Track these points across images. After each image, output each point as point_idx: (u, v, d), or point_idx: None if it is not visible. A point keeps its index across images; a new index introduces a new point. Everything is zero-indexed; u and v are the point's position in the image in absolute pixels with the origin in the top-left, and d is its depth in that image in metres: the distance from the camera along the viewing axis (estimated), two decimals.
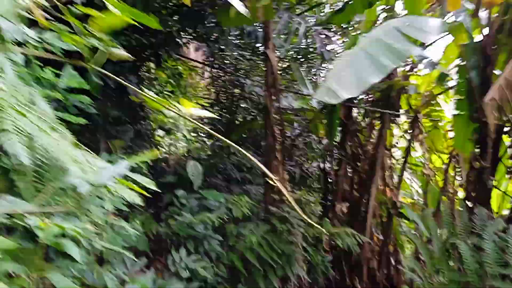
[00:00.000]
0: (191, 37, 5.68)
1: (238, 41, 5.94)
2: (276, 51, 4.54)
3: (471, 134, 3.89)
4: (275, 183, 4.47)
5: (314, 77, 6.96)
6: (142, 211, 4.62)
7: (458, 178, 6.55)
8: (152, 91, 8.47)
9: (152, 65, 7.83)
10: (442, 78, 4.55)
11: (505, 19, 3.18)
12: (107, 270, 2.61)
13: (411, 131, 6.25)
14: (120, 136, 5.18)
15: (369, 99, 6.40)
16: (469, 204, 3.33)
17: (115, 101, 5.17)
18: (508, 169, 3.62)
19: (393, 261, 6.11)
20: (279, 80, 4.23)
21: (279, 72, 6.24)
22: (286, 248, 4.02)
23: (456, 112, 4.61)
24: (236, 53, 5.74)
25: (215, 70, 6.58)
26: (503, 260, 2.65)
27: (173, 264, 3.24)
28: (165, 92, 8.59)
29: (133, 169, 1.82)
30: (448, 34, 5.03)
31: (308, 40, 5.88)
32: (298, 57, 5.91)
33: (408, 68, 6.36)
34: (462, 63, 3.88)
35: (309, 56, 5.86)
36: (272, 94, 4.22)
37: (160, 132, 7.94)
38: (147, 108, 8.07)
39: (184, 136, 6.83)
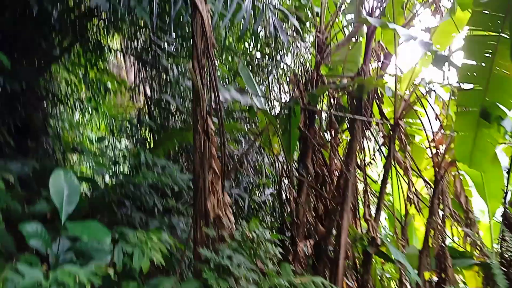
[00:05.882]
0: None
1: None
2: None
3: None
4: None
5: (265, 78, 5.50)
6: None
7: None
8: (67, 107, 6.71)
9: (74, 78, 6.22)
10: (440, 60, 3.25)
11: None
12: None
13: (388, 145, 4.92)
14: None
15: (333, 103, 5.01)
16: None
17: None
18: None
19: None
20: (215, 45, 2.68)
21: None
22: None
23: (465, 109, 3.33)
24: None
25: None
26: None
27: None
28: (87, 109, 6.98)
29: None
30: None
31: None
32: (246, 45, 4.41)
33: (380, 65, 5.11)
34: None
35: (258, 44, 4.37)
36: (204, 68, 2.66)
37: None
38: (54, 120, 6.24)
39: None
